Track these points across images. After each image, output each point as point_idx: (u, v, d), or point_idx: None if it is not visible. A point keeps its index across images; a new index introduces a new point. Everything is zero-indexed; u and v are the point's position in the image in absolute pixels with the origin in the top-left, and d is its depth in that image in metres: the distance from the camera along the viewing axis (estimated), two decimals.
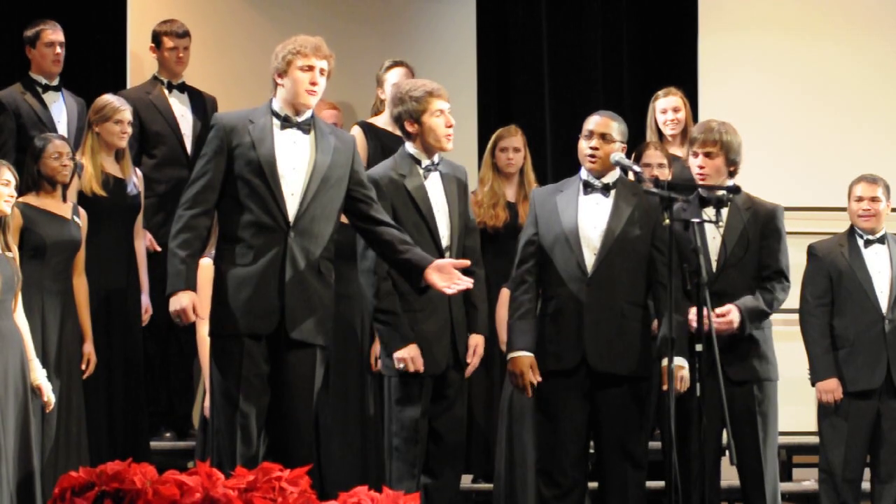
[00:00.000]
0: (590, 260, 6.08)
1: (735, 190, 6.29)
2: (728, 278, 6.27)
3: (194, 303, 5.66)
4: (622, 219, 6.12)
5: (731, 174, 6.40)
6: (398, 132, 7.63)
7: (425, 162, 6.17)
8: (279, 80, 5.79)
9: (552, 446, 6.09)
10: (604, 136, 6.13)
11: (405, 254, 5.78)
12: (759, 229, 6.34)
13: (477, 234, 6.37)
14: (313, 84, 5.76)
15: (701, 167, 6.35)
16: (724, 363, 6.08)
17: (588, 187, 6.16)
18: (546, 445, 6.14)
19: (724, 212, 6.29)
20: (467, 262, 5.81)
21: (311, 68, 5.76)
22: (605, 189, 6.15)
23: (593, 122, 6.18)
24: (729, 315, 6.19)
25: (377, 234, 5.84)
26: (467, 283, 5.72)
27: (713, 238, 6.32)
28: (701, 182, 6.34)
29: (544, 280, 6.16)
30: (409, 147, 6.20)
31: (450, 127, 6.16)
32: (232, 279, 5.68)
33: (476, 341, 6.23)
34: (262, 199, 5.68)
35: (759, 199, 6.45)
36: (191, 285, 5.67)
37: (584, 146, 6.18)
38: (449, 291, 5.74)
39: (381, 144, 7.61)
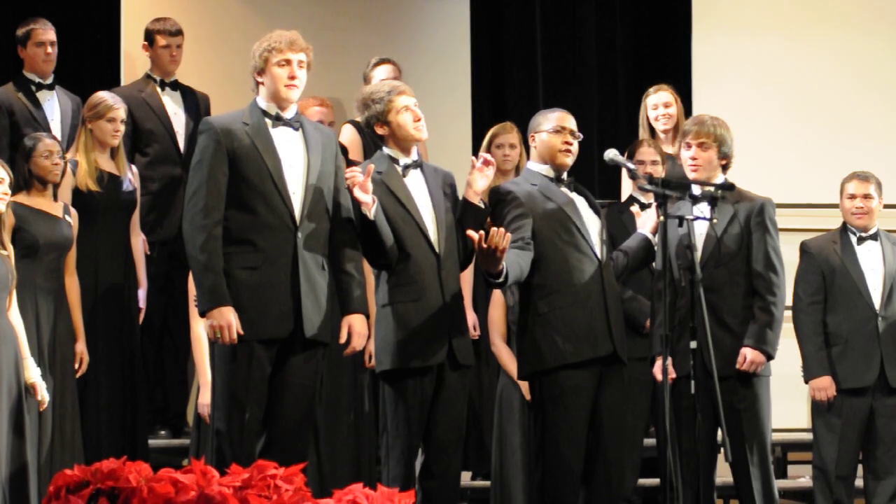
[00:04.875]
0: (598, 246, 6.10)
1: (729, 187, 6.29)
2: (713, 273, 6.26)
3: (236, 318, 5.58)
4: (594, 206, 6.21)
5: (724, 168, 6.40)
6: None
7: (403, 160, 6.14)
8: (259, 79, 5.80)
9: (570, 443, 5.99)
10: (572, 133, 6.18)
11: (342, 286, 5.82)
12: (746, 224, 6.34)
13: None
14: (292, 78, 5.76)
15: (693, 158, 6.36)
16: (706, 359, 6.09)
17: (559, 181, 6.18)
18: (564, 442, 5.99)
19: (695, 208, 6.30)
20: (357, 349, 5.83)
21: (287, 62, 5.76)
22: (568, 184, 6.21)
23: (559, 118, 6.19)
24: (744, 364, 6.22)
25: (330, 246, 5.82)
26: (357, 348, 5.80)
27: (699, 233, 6.31)
28: (693, 173, 6.35)
29: (549, 272, 6.09)
30: (386, 149, 6.15)
31: (418, 120, 6.11)
32: (242, 284, 5.63)
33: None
34: (268, 200, 5.66)
35: (748, 192, 6.44)
36: (229, 300, 5.58)
37: (556, 141, 6.16)
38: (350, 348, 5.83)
39: (374, 143, 7.61)
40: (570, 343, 5.96)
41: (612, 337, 6.02)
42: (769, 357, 6.26)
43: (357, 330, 5.82)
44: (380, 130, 6.13)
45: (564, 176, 6.21)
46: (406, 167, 6.12)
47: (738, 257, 6.31)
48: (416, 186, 6.10)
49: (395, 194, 6.03)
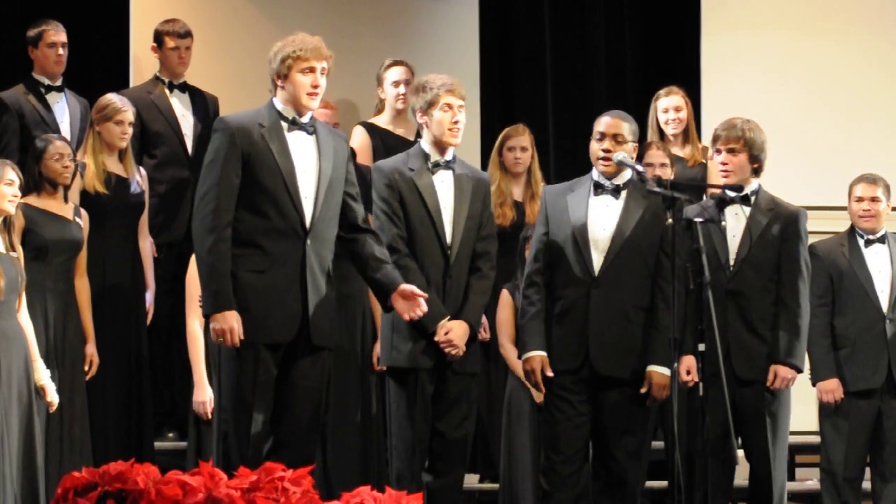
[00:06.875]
0: (597, 262, 6.07)
1: (737, 189, 6.28)
2: (745, 278, 6.24)
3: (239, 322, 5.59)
4: (632, 221, 6.10)
5: (756, 171, 6.35)
6: (399, 131, 7.66)
7: (435, 158, 6.18)
8: (279, 83, 5.77)
9: (553, 444, 6.08)
10: (615, 137, 6.10)
11: (376, 272, 5.82)
12: (779, 232, 6.30)
13: (492, 241, 6.29)
14: (315, 86, 5.75)
15: (724, 164, 6.31)
16: (734, 363, 6.10)
17: (599, 188, 6.14)
18: (547, 443, 6.13)
19: (727, 211, 6.29)
20: (426, 295, 5.80)
21: (312, 70, 5.74)
22: (616, 190, 6.14)
23: (604, 123, 6.14)
24: (775, 382, 6.21)
25: (355, 246, 5.85)
26: (423, 309, 5.78)
27: (733, 237, 6.29)
28: (724, 179, 6.31)
29: (553, 280, 6.14)
30: (423, 142, 6.23)
31: (456, 122, 6.15)
32: (249, 287, 5.64)
33: (451, 325, 6.09)
34: (279, 205, 5.65)
35: (783, 201, 6.41)
36: (234, 304, 5.59)
37: (595, 148, 6.14)
38: (407, 317, 5.79)
39: (383, 144, 7.62)
40: (558, 348, 6.07)
41: (588, 355, 6.02)
42: (799, 370, 6.26)
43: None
44: (419, 119, 6.22)
45: (616, 181, 6.13)
46: (437, 165, 6.15)
47: (770, 265, 6.27)
48: (444, 189, 6.16)
49: (422, 196, 6.08)
